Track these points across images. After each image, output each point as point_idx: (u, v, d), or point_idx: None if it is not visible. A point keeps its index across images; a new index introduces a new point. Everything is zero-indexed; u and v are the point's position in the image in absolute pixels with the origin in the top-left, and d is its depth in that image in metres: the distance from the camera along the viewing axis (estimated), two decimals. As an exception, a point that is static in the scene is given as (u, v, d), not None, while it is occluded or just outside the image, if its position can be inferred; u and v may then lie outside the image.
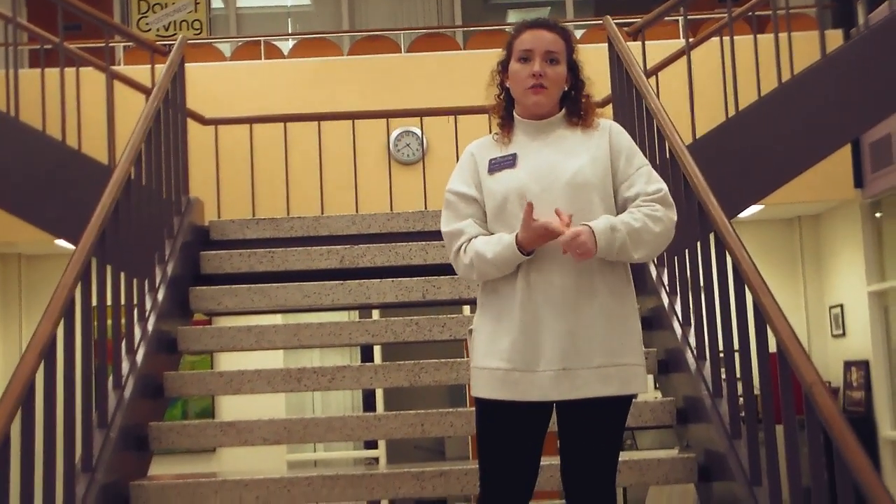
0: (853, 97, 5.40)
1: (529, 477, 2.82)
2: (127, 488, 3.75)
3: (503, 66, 2.94)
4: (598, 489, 2.80)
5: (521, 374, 2.75)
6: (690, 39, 5.78)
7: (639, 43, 5.67)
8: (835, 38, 7.25)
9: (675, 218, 2.86)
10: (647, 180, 2.85)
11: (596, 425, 2.79)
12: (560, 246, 2.71)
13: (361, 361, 10.07)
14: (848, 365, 8.69)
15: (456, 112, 6.38)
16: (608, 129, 2.92)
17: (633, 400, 2.89)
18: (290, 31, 11.50)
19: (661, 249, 2.88)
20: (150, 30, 10.73)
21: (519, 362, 2.75)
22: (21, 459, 2.98)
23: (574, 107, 2.93)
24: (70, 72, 5.71)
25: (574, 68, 2.92)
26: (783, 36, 5.50)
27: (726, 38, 5.59)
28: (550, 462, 3.24)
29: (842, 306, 8.87)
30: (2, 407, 2.85)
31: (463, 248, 2.84)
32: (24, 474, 2.99)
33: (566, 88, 2.92)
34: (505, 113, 2.96)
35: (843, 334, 8.88)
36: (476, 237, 2.83)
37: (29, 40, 7.84)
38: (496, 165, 2.87)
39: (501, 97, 2.96)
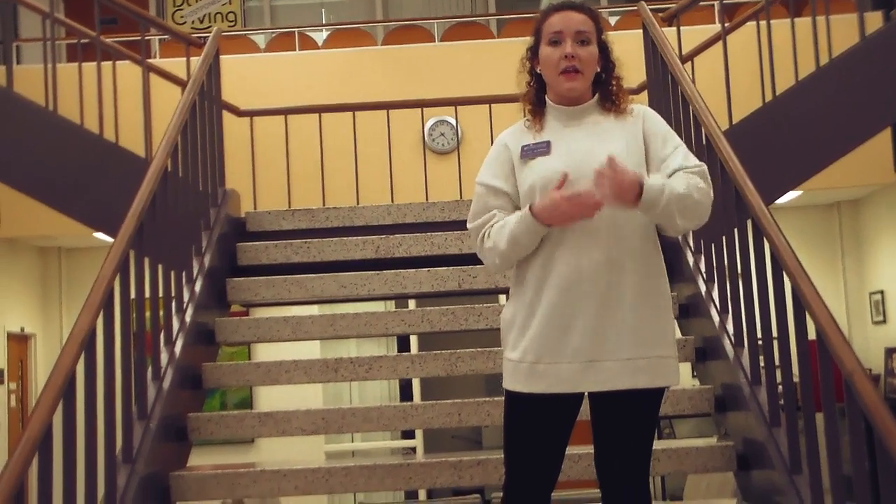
0: (894, 79, 5.31)
1: (554, 468, 2.81)
2: (167, 479, 3.78)
3: (532, 52, 2.90)
4: (632, 479, 2.78)
5: (547, 365, 2.71)
6: (726, 24, 5.72)
7: (674, 28, 5.62)
8: (874, 19, 7.15)
9: (713, 196, 2.82)
10: (684, 157, 2.81)
11: (627, 417, 2.76)
12: (591, 235, 2.69)
13: (398, 351, 10.10)
14: (889, 352, 8.59)
15: (490, 101, 6.36)
16: (641, 115, 2.88)
17: (668, 390, 2.86)
18: (324, 22, 11.53)
19: (698, 222, 2.81)
20: (185, 22, 10.80)
21: (545, 354, 2.72)
22: (63, 450, 3.02)
23: (606, 91, 2.88)
24: (107, 65, 5.76)
25: (604, 50, 2.87)
26: (821, 18, 5.42)
27: (763, 22, 5.53)
28: (587, 451, 3.23)
29: (882, 292, 8.77)
30: (44, 398, 2.88)
31: (486, 233, 2.82)
32: (67, 465, 3.03)
33: (597, 70, 2.87)
34: (535, 100, 2.91)
35: (884, 321, 8.78)
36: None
37: (66, 35, 7.92)
38: (529, 152, 2.83)
39: (532, 84, 2.92)
